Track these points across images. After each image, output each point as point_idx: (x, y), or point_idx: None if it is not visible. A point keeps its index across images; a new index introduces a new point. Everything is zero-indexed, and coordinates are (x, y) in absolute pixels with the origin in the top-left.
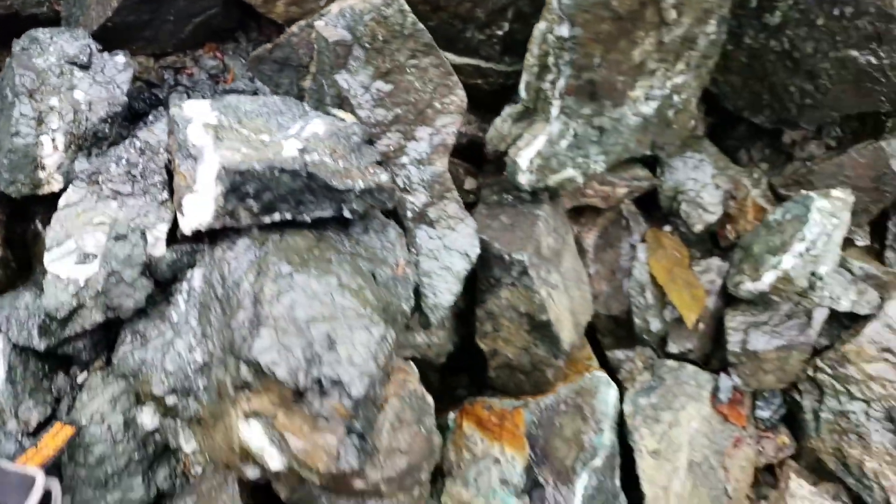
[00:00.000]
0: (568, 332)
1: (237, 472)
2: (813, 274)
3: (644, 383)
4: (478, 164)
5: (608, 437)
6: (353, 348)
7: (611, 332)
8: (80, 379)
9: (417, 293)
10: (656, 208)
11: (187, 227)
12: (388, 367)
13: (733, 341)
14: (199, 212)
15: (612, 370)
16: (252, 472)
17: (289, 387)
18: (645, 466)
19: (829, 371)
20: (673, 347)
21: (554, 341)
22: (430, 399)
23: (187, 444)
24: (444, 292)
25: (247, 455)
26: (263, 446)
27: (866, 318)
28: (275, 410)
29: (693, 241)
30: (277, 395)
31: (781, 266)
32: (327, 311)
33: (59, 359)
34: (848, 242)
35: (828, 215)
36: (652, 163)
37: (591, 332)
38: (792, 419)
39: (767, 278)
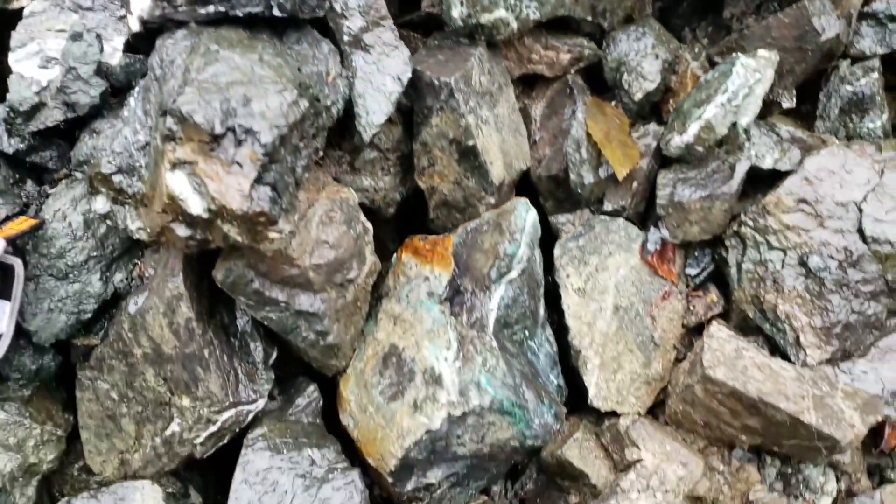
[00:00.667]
0: (498, 169)
1: (171, 238)
2: (734, 125)
3: (575, 232)
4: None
5: (523, 251)
6: (266, 106)
7: (551, 195)
8: (49, 190)
9: (350, 111)
10: (603, 85)
11: (134, 21)
12: (304, 138)
13: (662, 195)
14: (140, 2)
15: (553, 235)
16: (182, 231)
17: (206, 131)
18: (570, 302)
19: (751, 224)
20: (608, 205)
21: (483, 174)
22: (366, 222)
23: (133, 223)
24: (376, 112)
25: (175, 207)
26: (186, 193)
27: (787, 174)
28: (195, 157)
29: (635, 114)
30: (197, 143)
31: (704, 116)
32: (246, 78)
33: (29, 169)
34: (776, 106)
35: (751, 70)
36: (599, 39)
37: (534, 198)
38: (720, 279)
39: (692, 129)
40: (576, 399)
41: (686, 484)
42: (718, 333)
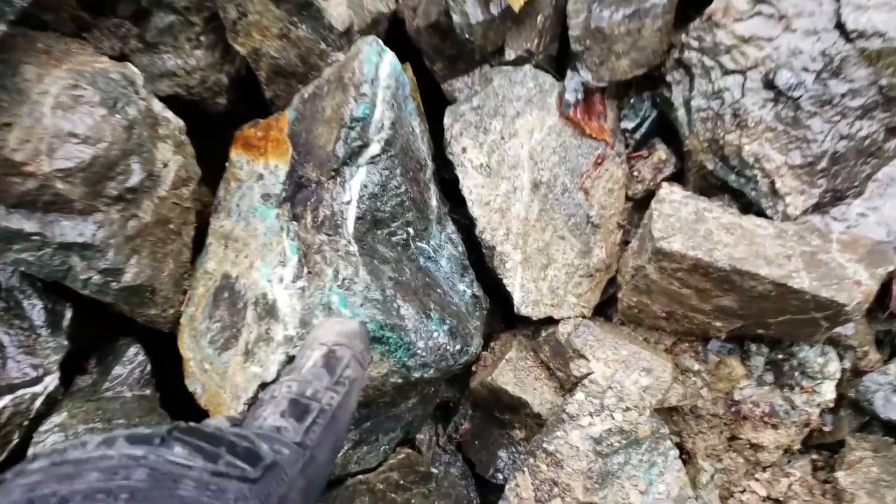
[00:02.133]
0: (340, 9)
1: None
2: None
3: (469, 92)
4: None
5: (381, 112)
6: None
7: (438, 53)
8: None
9: None
10: None
11: None
12: None
13: (575, 24)
14: None
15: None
16: None
17: None
18: (471, 185)
19: (695, 45)
20: (509, 53)
21: (316, 16)
22: (159, 109)
23: None
24: None
25: None
26: None
27: None
28: None
29: None
30: None
31: None
32: None
33: None
34: None
35: None
36: None
37: (419, 63)
38: (667, 129)
39: None
40: (505, 310)
41: (653, 395)
42: (671, 196)
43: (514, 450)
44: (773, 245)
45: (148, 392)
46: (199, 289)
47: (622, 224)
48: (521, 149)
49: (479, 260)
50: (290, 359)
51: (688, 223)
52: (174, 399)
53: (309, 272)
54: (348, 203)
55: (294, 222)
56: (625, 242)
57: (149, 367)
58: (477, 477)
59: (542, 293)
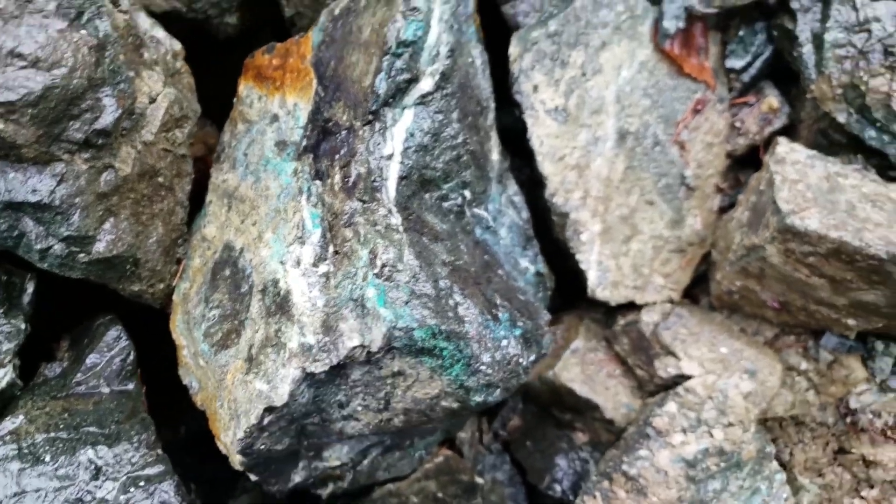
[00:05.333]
0: None
1: None
2: None
3: (543, 14)
4: None
5: (437, 35)
6: None
7: None
8: None
9: None
10: None
11: None
12: None
13: None
14: None
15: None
16: None
17: None
18: (542, 134)
19: None
20: None
21: None
22: (151, 28)
23: None
24: None
25: None
26: None
27: None
28: None
29: None
30: None
31: None
32: None
33: None
34: None
35: None
36: None
37: None
38: (781, 72)
39: None
40: (570, 289)
41: (757, 403)
42: (792, 155)
43: (575, 456)
44: None
45: (130, 387)
46: (196, 259)
47: (721, 188)
48: (605, 89)
49: (540, 229)
50: (309, 376)
51: (821, 192)
52: (165, 389)
53: (336, 252)
54: (390, 157)
55: (317, 182)
56: (722, 210)
57: (132, 356)
58: (529, 486)
59: (624, 272)
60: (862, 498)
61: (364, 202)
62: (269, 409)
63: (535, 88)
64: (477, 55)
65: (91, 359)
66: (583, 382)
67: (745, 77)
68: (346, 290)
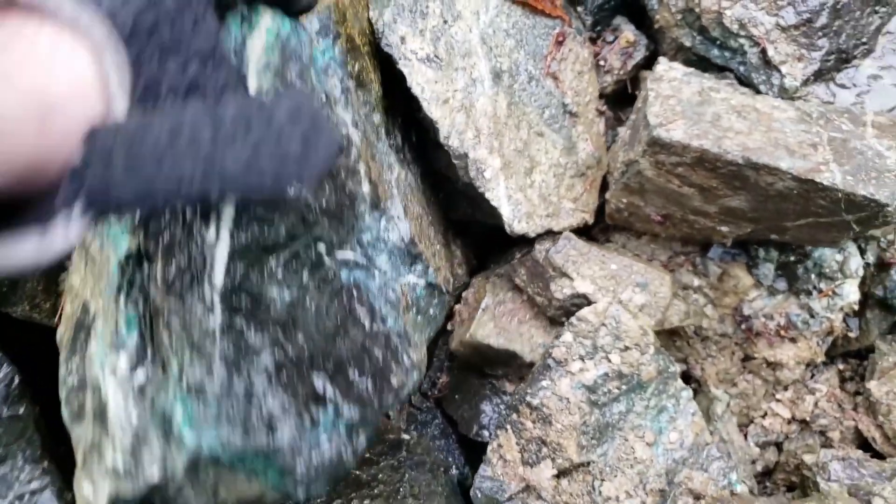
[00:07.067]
0: None
1: None
2: None
3: None
4: None
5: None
6: None
7: None
8: None
9: None
10: None
11: None
12: None
13: None
14: None
15: None
16: None
17: None
18: (422, 81)
19: None
20: None
21: None
22: None
23: None
24: None
25: None
26: None
27: None
28: None
29: None
30: None
31: None
32: None
33: None
34: None
35: None
36: None
37: None
38: (630, 5)
39: None
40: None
41: (652, 314)
42: (670, 73)
43: (499, 401)
44: (796, 131)
45: (21, 411)
46: (67, 307)
47: (602, 111)
48: (469, 33)
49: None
50: (122, 499)
51: (691, 106)
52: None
53: (154, 355)
54: (216, 239)
55: (143, 269)
56: (612, 132)
57: (17, 380)
58: (461, 437)
59: (534, 202)
60: (778, 400)
61: (182, 299)
62: None
63: (403, 40)
64: (335, 87)
65: None
66: (497, 335)
67: (596, 15)
68: (160, 403)
